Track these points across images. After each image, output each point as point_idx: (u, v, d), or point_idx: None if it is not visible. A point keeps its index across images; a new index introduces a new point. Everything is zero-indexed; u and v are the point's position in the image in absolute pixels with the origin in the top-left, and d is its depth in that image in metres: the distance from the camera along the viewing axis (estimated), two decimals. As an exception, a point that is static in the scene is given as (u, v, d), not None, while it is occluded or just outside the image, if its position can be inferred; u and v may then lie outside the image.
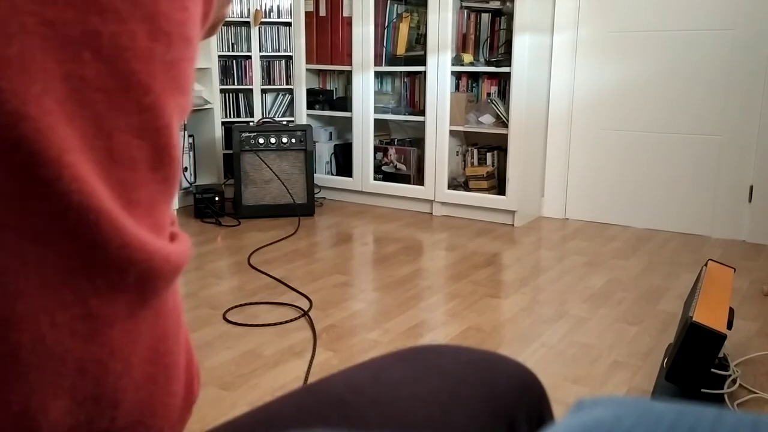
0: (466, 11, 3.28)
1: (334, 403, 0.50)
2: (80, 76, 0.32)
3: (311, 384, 0.54)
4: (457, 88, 3.35)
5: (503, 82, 3.25)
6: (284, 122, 3.53)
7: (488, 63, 3.22)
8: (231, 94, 3.68)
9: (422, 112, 3.40)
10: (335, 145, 3.80)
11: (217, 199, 3.28)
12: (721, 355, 1.69)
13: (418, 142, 3.54)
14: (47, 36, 0.31)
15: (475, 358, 0.58)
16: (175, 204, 3.44)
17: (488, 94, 3.28)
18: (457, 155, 3.45)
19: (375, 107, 3.53)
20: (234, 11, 3.55)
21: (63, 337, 0.34)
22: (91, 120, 0.33)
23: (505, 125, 3.16)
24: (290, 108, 3.80)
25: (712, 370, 1.59)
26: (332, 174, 3.80)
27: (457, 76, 3.34)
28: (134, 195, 0.35)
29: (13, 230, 0.32)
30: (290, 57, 3.72)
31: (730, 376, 1.63)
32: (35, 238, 0.32)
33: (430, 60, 3.28)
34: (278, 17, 3.65)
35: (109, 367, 0.36)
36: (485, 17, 3.25)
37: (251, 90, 3.68)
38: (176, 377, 0.41)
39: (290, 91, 3.78)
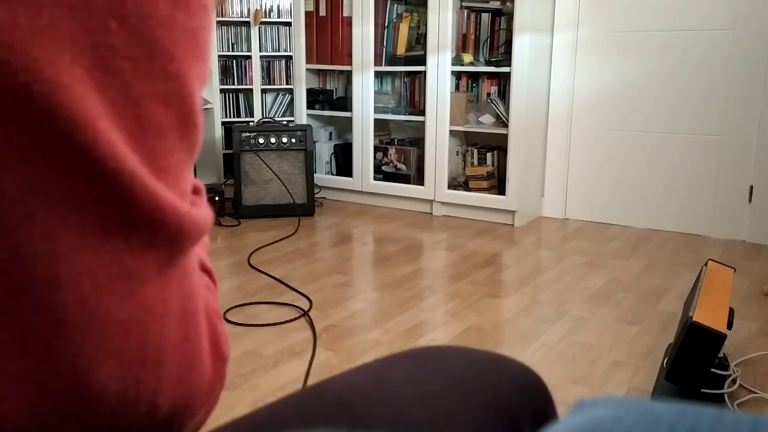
0: (466, 11, 3.28)
1: (336, 405, 0.50)
2: (108, 44, 0.33)
3: (313, 385, 0.54)
4: (457, 88, 3.35)
5: (503, 82, 3.25)
6: (284, 122, 3.53)
7: (488, 63, 3.22)
8: (231, 94, 3.68)
9: (422, 112, 3.40)
10: (335, 145, 3.80)
11: (217, 199, 3.28)
12: (721, 355, 1.69)
13: (418, 142, 3.54)
14: (75, 6, 0.32)
15: (479, 359, 0.58)
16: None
17: (488, 94, 3.28)
18: (457, 155, 3.45)
19: (375, 107, 3.53)
20: (234, 11, 3.55)
21: (104, 297, 0.35)
22: (120, 88, 0.34)
23: (505, 125, 3.16)
24: (290, 108, 3.80)
25: (712, 370, 1.59)
26: (332, 174, 3.80)
27: (457, 76, 3.34)
28: (164, 162, 0.36)
29: (54, 194, 0.33)
30: (290, 57, 3.72)
31: (730, 376, 1.64)
32: (74, 201, 0.33)
33: (430, 60, 3.28)
34: (278, 17, 3.66)
35: (149, 327, 0.37)
36: (485, 17, 3.25)
37: (251, 90, 3.68)
38: (202, 334, 0.42)
39: (290, 91, 3.78)
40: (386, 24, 3.49)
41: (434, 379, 0.55)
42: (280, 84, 3.74)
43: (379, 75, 3.59)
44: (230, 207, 3.39)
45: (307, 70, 3.76)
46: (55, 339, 0.34)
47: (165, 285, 0.38)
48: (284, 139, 3.31)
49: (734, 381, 1.62)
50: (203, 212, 0.39)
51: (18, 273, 0.33)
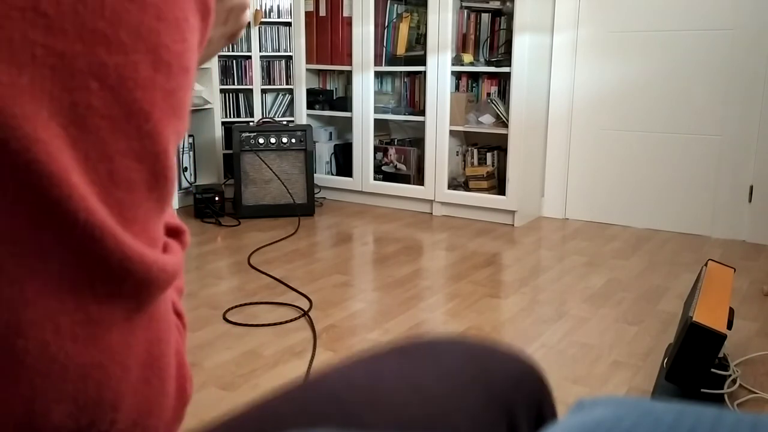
0: (466, 11, 3.28)
1: (331, 401, 0.50)
2: (86, 104, 0.34)
3: (307, 381, 0.54)
4: (457, 88, 3.35)
5: (503, 82, 3.25)
6: (284, 122, 3.53)
7: (488, 63, 3.22)
8: (231, 94, 3.68)
9: (422, 112, 3.40)
10: (335, 145, 3.80)
11: (217, 199, 3.28)
12: (721, 355, 1.69)
13: (418, 142, 3.54)
14: (56, 66, 0.33)
15: (472, 349, 0.58)
16: (175, 204, 3.45)
17: (488, 94, 3.28)
18: (457, 155, 3.45)
19: (375, 107, 3.53)
20: (234, 11, 3.55)
21: (66, 343, 0.36)
22: (95, 144, 0.35)
23: (505, 125, 3.16)
24: (290, 108, 3.80)
25: (712, 370, 1.59)
26: (332, 174, 3.80)
27: (457, 76, 3.34)
28: (131, 213, 0.37)
29: (23, 244, 0.34)
30: (290, 57, 3.72)
31: (730, 376, 1.64)
32: (43, 250, 0.34)
33: (430, 60, 3.28)
34: (278, 17, 3.66)
35: (109, 371, 0.38)
36: (485, 17, 3.25)
37: (251, 90, 3.68)
38: (169, 378, 0.43)
39: (290, 91, 3.79)
40: (386, 24, 3.49)
41: (428, 371, 0.55)
42: (280, 84, 3.74)
43: (379, 75, 3.59)
44: (230, 207, 3.39)
45: (307, 70, 3.76)
46: (13, 382, 0.35)
47: (130, 331, 0.38)
48: (284, 139, 3.31)
49: (734, 381, 1.62)
50: (173, 260, 0.40)
51: None
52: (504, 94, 3.25)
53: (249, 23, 3.60)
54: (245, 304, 2.16)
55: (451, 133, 3.33)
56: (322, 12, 3.63)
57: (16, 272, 0.34)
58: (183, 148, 3.52)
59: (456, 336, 0.61)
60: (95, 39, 0.34)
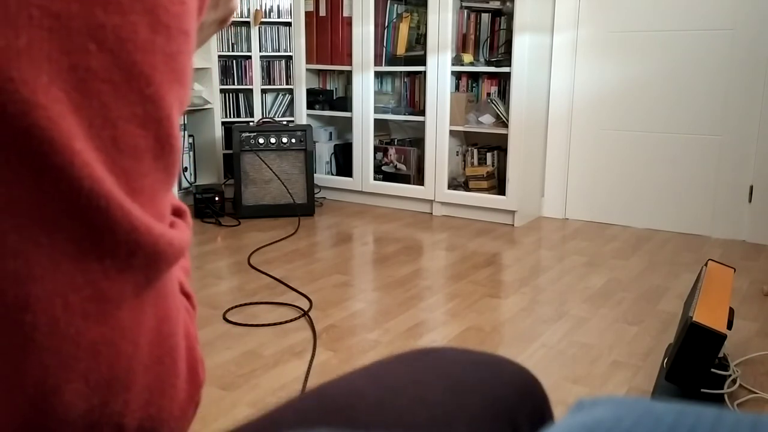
0: (466, 11, 3.28)
1: (335, 409, 0.51)
2: (86, 66, 0.33)
3: (312, 389, 0.54)
4: (457, 88, 3.35)
5: (503, 82, 3.25)
6: (284, 122, 3.53)
7: (488, 63, 3.22)
8: (231, 94, 3.68)
9: (422, 112, 3.40)
10: (335, 145, 3.80)
11: (217, 199, 3.28)
12: (721, 355, 1.69)
13: (418, 142, 3.54)
14: (54, 28, 0.32)
15: (477, 361, 0.58)
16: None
17: (488, 94, 3.28)
18: (457, 155, 3.45)
19: (375, 107, 3.53)
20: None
21: (76, 319, 0.35)
22: (98, 109, 0.34)
23: (505, 125, 3.16)
24: (290, 108, 3.80)
25: (712, 370, 1.59)
26: (332, 174, 3.80)
27: (457, 76, 3.34)
28: (138, 183, 0.36)
29: (27, 215, 0.33)
30: (290, 57, 3.72)
31: (730, 376, 1.64)
32: (47, 222, 0.33)
33: (430, 60, 3.28)
34: (278, 17, 3.66)
35: (120, 349, 0.37)
36: (485, 17, 3.25)
37: (251, 90, 3.68)
38: (179, 357, 0.42)
39: (290, 91, 3.78)
40: (386, 24, 3.49)
41: (433, 381, 0.55)
42: (280, 84, 3.74)
43: (379, 75, 3.59)
44: (230, 207, 3.39)
45: (307, 70, 3.76)
46: (23, 360, 0.34)
47: (140, 307, 0.38)
48: (284, 139, 3.31)
49: (734, 381, 1.62)
50: (180, 234, 0.39)
51: None
52: (504, 94, 3.25)
53: (249, 23, 3.60)
54: (245, 304, 2.16)
55: (451, 133, 3.33)
56: (322, 12, 3.63)
57: (21, 245, 0.33)
58: (183, 148, 3.52)
59: (460, 347, 0.61)
60: None
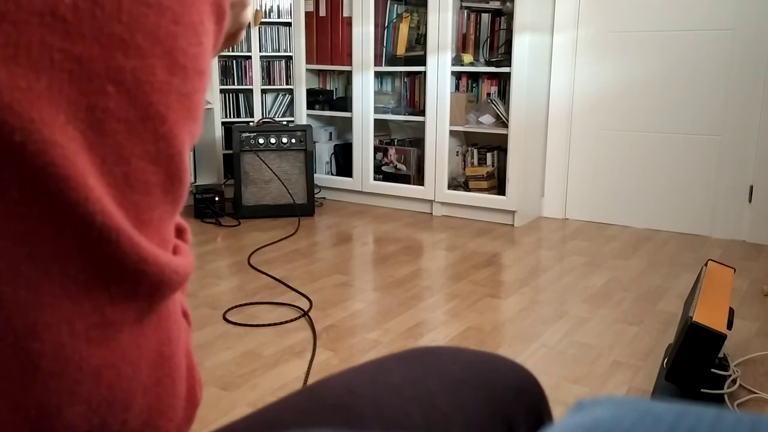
0: (466, 11, 3.28)
1: (333, 406, 0.51)
2: (103, 107, 0.35)
3: (310, 386, 0.54)
4: (457, 88, 3.35)
5: (503, 82, 3.25)
6: (284, 122, 3.53)
7: (488, 63, 3.22)
8: (231, 94, 3.68)
9: (422, 112, 3.40)
10: (335, 145, 3.80)
11: (217, 199, 3.28)
12: (721, 355, 1.69)
13: (418, 142, 3.54)
14: (74, 71, 0.33)
15: (474, 360, 0.59)
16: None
17: (488, 94, 3.28)
18: (457, 155, 3.45)
19: (375, 107, 3.53)
20: (234, 11, 3.55)
21: (80, 345, 0.36)
22: (111, 147, 0.35)
23: (505, 125, 3.16)
24: (290, 108, 3.80)
25: (712, 370, 1.59)
26: (332, 174, 3.80)
27: (457, 76, 3.34)
28: (146, 216, 0.37)
29: (40, 246, 0.34)
30: (290, 57, 3.72)
31: (730, 376, 1.64)
32: (59, 253, 0.34)
33: (430, 60, 3.28)
34: (278, 17, 3.66)
35: (121, 371, 0.38)
36: (485, 17, 3.25)
37: (251, 90, 3.68)
38: (179, 379, 0.43)
39: (290, 91, 3.79)
40: (386, 24, 3.49)
41: (430, 380, 0.55)
42: (280, 84, 3.74)
43: (379, 75, 3.59)
44: (230, 207, 3.39)
45: (307, 70, 3.76)
46: (27, 383, 0.35)
47: (141, 331, 0.39)
48: (284, 140, 3.31)
49: (734, 381, 1.62)
50: (185, 261, 0.40)
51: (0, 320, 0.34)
52: (504, 94, 3.25)
53: (249, 23, 3.60)
54: (245, 304, 2.16)
55: (451, 133, 3.33)
56: (322, 12, 3.63)
57: (33, 275, 0.34)
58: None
59: (457, 346, 0.61)
60: (112, 43, 0.34)
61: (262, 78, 3.69)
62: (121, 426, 0.39)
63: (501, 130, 3.19)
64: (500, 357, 0.60)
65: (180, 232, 0.46)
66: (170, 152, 0.37)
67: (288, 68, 3.74)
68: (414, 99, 3.52)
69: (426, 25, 3.28)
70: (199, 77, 0.39)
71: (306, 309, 2.12)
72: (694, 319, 1.44)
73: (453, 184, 3.38)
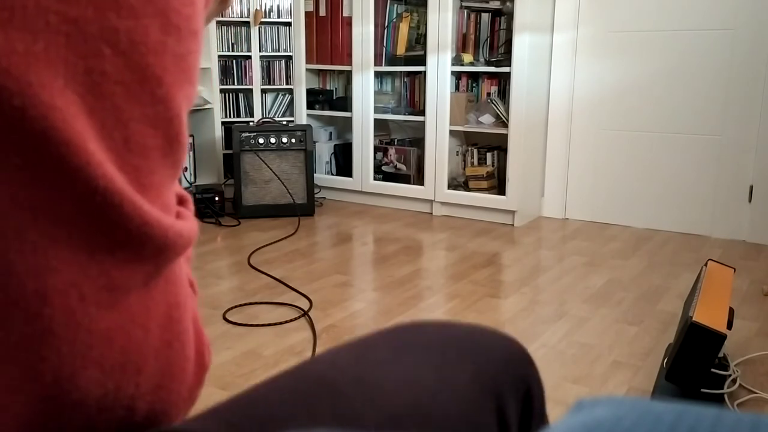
0: (466, 11, 3.28)
1: (319, 384, 0.50)
2: (100, 70, 0.35)
3: (296, 366, 0.54)
4: (457, 88, 3.35)
5: (503, 82, 3.25)
6: (284, 122, 3.53)
7: (488, 63, 3.22)
8: (231, 94, 3.68)
9: (422, 112, 3.40)
10: (335, 145, 3.80)
11: (217, 199, 3.28)
12: (721, 355, 1.69)
13: (418, 142, 3.54)
14: (70, 33, 0.34)
15: (461, 334, 0.58)
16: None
17: (488, 94, 3.29)
18: (457, 155, 3.45)
19: (375, 107, 3.53)
20: (234, 11, 3.55)
21: (90, 309, 0.36)
22: (110, 111, 0.35)
23: (505, 125, 3.16)
24: (290, 108, 3.80)
25: (712, 370, 1.59)
26: (332, 174, 3.80)
27: (457, 76, 3.34)
28: (147, 180, 0.38)
29: (45, 212, 0.34)
30: (290, 57, 3.72)
31: (730, 376, 1.64)
32: (64, 218, 0.35)
33: (430, 60, 3.28)
34: (278, 17, 3.66)
35: (132, 335, 0.39)
36: (485, 17, 3.25)
37: (251, 90, 3.68)
38: (188, 342, 0.44)
39: (290, 91, 3.79)
40: (386, 24, 3.49)
41: (416, 355, 0.55)
42: (280, 84, 3.74)
43: (379, 75, 3.59)
44: (230, 207, 3.39)
45: (307, 70, 3.76)
46: (40, 349, 0.35)
47: (149, 294, 0.39)
48: (284, 139, 3.31)
49: (734, 381, 1.62)
50: (188, 225, 0.41)
51: (10, 287, 0.34)
52: (504, 94, 3.25)
53: (249, 23, 3.60)
54: (245, 304, 2.16)
55: (451, 133, 3.33)
56: (322, 12, 3.63)
57: (39, 240, 0.34)
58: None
59: (445, 320, 0.61)
60: (106, 4, 0.34)
61: (262, 78, 3.69)
62: (134, 389, 0.39)
63: (501, 130, 3.19)
64: (488, 329, 0.60)
65: (182, 202, 0.46)
66: (168, 115, 0.38)
67: (288, 68, 3.74)
68: (414, 99, 3.52)
69: (426, 24, 3.28)
70: (192, 38, 0.39)
71: (306, 309, 2.12)
72: (694, 319, 1.44)
73: (453, 184, 3.38)
